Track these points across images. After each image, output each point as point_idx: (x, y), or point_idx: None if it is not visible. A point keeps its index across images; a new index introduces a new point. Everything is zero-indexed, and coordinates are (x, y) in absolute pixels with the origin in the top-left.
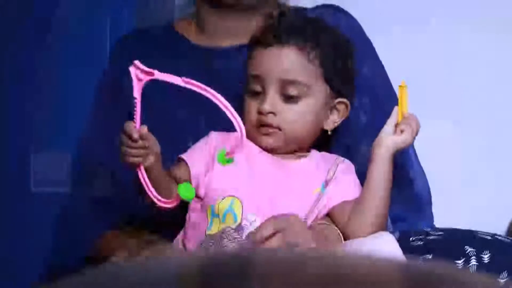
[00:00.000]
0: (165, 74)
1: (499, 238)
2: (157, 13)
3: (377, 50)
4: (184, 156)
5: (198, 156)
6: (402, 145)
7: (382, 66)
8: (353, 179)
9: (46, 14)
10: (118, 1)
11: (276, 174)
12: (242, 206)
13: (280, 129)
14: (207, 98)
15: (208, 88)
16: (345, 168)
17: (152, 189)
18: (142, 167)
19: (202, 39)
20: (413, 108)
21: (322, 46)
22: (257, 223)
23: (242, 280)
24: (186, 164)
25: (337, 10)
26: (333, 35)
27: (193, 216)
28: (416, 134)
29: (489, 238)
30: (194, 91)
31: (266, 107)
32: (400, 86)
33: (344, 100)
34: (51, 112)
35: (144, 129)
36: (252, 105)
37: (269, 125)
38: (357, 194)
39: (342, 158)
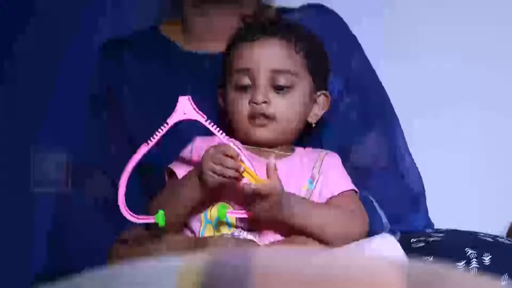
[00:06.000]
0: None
1: (500, 240)
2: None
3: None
4: (172, 166)
5: (186, 166)
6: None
7: (369, 63)
8: (340, 172)
9: (46, 15)
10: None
11: (263, 176)
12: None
13: (274, 119)
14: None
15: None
16: (331, 162)
17: (123, 203)
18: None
19: (190, 43)
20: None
21: (305, 39)
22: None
23: (242, 280)
24: (176, 174)
25: (322, 8)
26: (311, 31)
27: (188, 222)
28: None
29: (490, 240)
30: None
31: (259, 97)
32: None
33: (326, 92)
34: (51, 112)
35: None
36: (241, 99)
37: (263, 116)
38: (345, 184)
39: (326, 151)
